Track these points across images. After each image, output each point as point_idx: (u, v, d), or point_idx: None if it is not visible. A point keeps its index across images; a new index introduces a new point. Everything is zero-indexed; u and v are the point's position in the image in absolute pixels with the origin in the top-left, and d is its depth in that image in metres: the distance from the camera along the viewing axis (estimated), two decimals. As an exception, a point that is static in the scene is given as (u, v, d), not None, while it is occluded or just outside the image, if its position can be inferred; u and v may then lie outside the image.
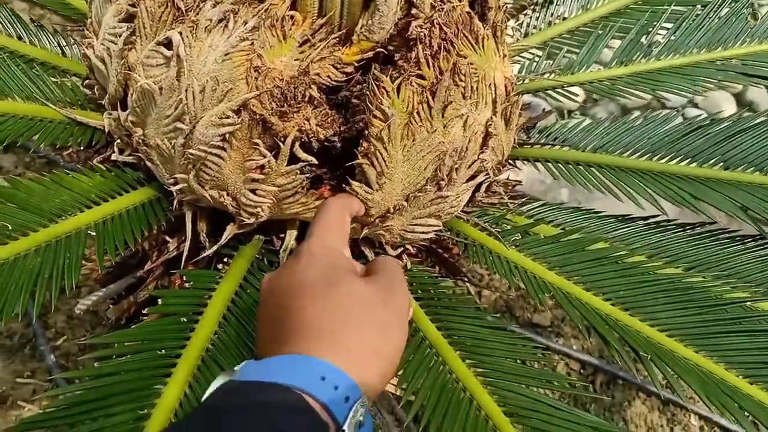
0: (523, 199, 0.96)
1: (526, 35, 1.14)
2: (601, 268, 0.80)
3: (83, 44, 0.82)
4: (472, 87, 0.76)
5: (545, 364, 1.46)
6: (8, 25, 0.94)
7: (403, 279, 0.55)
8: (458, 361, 0.71)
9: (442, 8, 0.76)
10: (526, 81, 1.06)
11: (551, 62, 1.06)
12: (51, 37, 0.95)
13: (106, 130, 0.81)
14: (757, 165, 0.87)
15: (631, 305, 0.76)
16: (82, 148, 0.82)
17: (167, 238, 0.86)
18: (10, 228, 0.68)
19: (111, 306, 0.99)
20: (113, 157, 0.80)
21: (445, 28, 0.74)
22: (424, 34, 0.74)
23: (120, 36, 0.76)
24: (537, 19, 1.14)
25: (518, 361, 0.71)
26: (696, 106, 2.38)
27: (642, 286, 0.78)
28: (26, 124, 0.80)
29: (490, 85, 0.78)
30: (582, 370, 1.68)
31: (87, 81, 0.87)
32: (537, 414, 0.64)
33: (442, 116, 0.74)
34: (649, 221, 0.89)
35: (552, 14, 1.14)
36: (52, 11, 0.97)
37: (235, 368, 0.48)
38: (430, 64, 0.74)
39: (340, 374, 0.45)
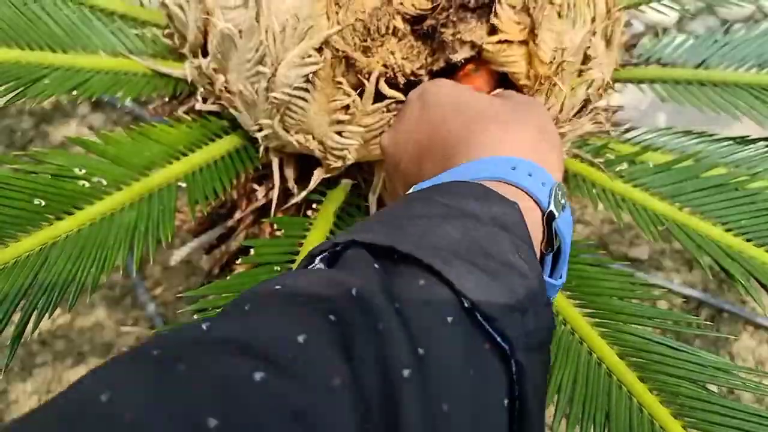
0: (627, 126, 0.89)
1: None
2: (719, 196, 0.73)
3: (159, -8, 0.80)
4: (569, 4, 0.69)
5: (649, 300, 1.40)
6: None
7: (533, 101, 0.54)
8: (565, 302, 0.67)
9: None
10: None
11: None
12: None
13: (189, 80, 0.80)
14: None
15: (755, 235, 0.69)
16: (167, 99, 0.81)
17: (255, 186, 0.85)
18: (105, 183, 0.68)
19: (204, 256, 1.00)
20: (197, 107, 0.79)
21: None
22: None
23: (195, -21, 0.73)
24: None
25: (628, 300, 0.66)
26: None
27: (766, 214, 0.71)
28: (111, 79, 0.80)
29: (588, 2, 0.70)
30: (685, 304, 1.60)
31: (167, 30, 0.86)
32: (651, 355, 0.60)
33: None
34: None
35: None
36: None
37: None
38: (524, -18, 0.68)
39: (529, 163, 0.43)
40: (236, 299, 0.33)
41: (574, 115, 0.76)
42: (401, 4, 0.68)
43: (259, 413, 0.25)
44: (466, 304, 0.33)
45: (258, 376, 0.26)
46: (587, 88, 0.74)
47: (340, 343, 0.29)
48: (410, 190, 0.45)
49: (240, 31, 0.69)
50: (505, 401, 0.33)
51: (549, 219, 0.43)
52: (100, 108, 1.97)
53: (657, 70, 0.87)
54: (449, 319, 0.32)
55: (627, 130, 0.87)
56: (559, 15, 0.69)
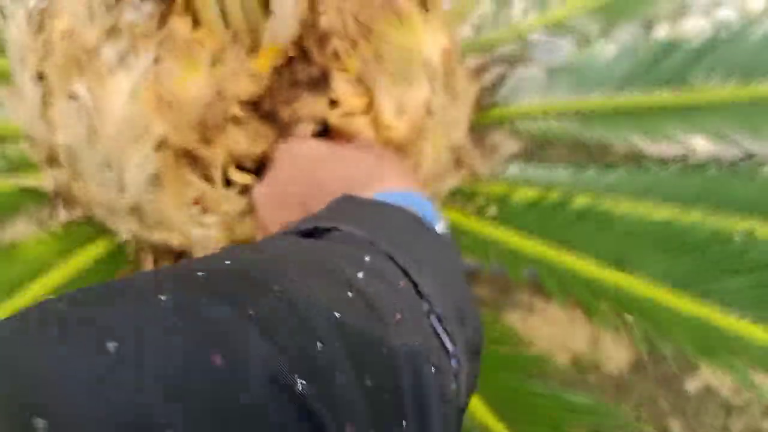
0: (501, 164, 0.90)
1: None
2: (583, 227, 0.75)
3: (9, 110, 0.81)
4: (402, 69, 0.71)
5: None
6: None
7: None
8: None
9: (353, -8, 0.71)
10: (482, 38, 0.99)
11: (504, 12, 0.99)
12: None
13: (52, 190, 0.80)
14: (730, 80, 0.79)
15: (615, 260, 0.70)
16: (31, 212, 0.81)
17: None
18: (-35, 313, 0.67)
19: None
20: (60, 217, 0.79)
21: (358, 13, 0.69)
22: (337, 25, 0.69)
23: (37, 98, 0.74)
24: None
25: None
26: (719, 3, 2.23)
27: (629, 238, 0.72)
28: (-24, 202, 0.79)
29: (420, 62, 0.72)
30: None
31: (29, 144, 0.86)
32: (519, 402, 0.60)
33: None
34: (630, 164, 0.82)
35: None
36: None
37: None
38: (351, 55, 0.69)
39: (412, 193, 0.50)
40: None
41: (439, 171, 0.78)
42: (234, 92, 0.69)
43: None
44: (425, 307, 0.36)
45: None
46: (443, 143, 0.76)
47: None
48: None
49: (80, 142, 0.69)
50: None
51: None
52: None
53: (510, 109, 0.90)
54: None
55: (498, 169, 0.89)
56: (394, 80, 0.71)
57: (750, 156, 0.78)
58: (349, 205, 0.46)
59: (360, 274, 0.33)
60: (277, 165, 0.64)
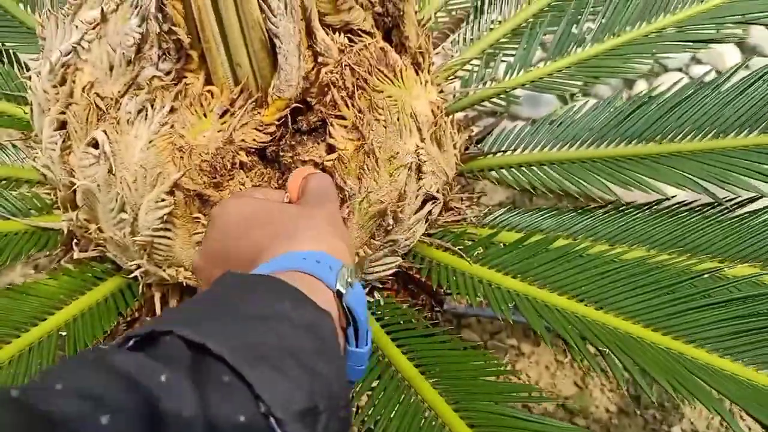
0: (487, 209, 0.97)
1: (465, 46, 1.15)
2: (561, 267, 0.80)
3: (30, 156, 0.86)
4: (393, 119, 0.77)
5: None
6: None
7: (328, 191, 0.68)
8: (429, 389, 0.72)
9: (352, 48, 0.78)
10: (470, 93, 1.07)
11: (491, 70, 1.07)
12: (11, 152, 1.00)
13: (65, 231, 0.85)
14: (699, 132, 0.86)
15: (592, 298, 0.76)
16: (48, 253, 0.86)
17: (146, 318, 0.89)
18: (-17, 345, 0.72)
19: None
20: (75, 256, 0.84)
21: (356, 67, 0.76)
22: (336, 78, 0.76)
23: (57, 143, 0.80)
24: (474, 29, 1.15)
25: (488, 379, 0.71)
26: (699, 62, 2.35)
27: (603, 277, 0.78)
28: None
29: (411, 114, 0.79)
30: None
31: (46, 187, 0.92)
32: (505, 430, 0.65)
33: (389, 165, 0.77)
34: (607, 208, 0.89)
35: (488, 21, 1.15)
36: (6, 127, 1.02)
37: None
38: (348, 105, 0.76)
39: (317, 253, 0.52)
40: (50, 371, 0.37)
41: (420, 214, 0.83)
42: (243, 140, 0.76)
43: None
44: (262, 409, 0.37)
45: None
46: (429, 189, 0.82)
47: (147, 424, 0.34)
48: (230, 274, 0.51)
49: (98, 185, 0.75)
50: None
51: (339, 296, 0.50)
52: None
53: (498, 158, 0.96)
54: (242, 418, 0.37)
55: (488, 213, 0.95)
56: (385, 128, 0.77)
57: (717, 202, 0.85)
58: (221, 288, 0.48)
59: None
60: (208, 224, 0.67)
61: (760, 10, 0.99)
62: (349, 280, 0.51)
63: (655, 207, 0.87)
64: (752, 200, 0.84)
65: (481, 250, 0.86)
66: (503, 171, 0.96)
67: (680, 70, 2.33)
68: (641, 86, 2.25)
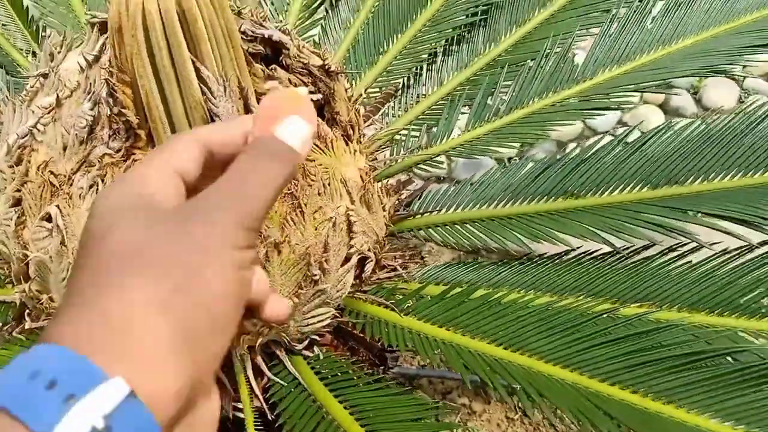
0: (417, 265, 1.06)
1: (395, 117, 1.26)
2: (481, 315, 0.89)
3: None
4: (324, 185, 0.86)
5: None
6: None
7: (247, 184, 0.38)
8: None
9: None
10: (399, 161, 1.17)
11: (416, 139, 1.18)
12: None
13: (17, 303, 0.90)
14: (597, 188, 0.98)
15: (510, 341, 0.84)
16: (0, 325, 0.91)
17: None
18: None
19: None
20: (27, 326, 0.88)
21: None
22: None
23: (12, 219, 0.86)
24: (402, 102, 1.27)
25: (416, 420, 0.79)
26: (625, 124, 2.53)
27: (518, 321, 0.87)
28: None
29: (341, 180, 0.88)
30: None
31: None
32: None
33: (314, 219, 0.85)
34: (522, 259, 0.99)
35: (414, 95, 1.27)
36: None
37: None
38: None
39: (67, 360, 0.30)
40: None
41: (347, 266, 0.91)
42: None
43: None
44: None
45: None
46: (360, 247, 0.90)
47: None
48: None
49: (50, 257, 0.81)
50: None
51: None
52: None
53: (425, 218, 1.06)
54: None
55: (417, 270, 1.04)
56: (319, 193, 0.86)
57: (616, 251, 0.96)
58: None
59: None
60: None
61: (648, 80, 1.13)
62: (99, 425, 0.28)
63: (564, 257, 0.98)
64: (646, 248, 0.95)
65: (411, 303, 0.94)
66: (430, 230, 1.05)
67: (608, 132, 2.51)
68: (571, 147, 2.41)
